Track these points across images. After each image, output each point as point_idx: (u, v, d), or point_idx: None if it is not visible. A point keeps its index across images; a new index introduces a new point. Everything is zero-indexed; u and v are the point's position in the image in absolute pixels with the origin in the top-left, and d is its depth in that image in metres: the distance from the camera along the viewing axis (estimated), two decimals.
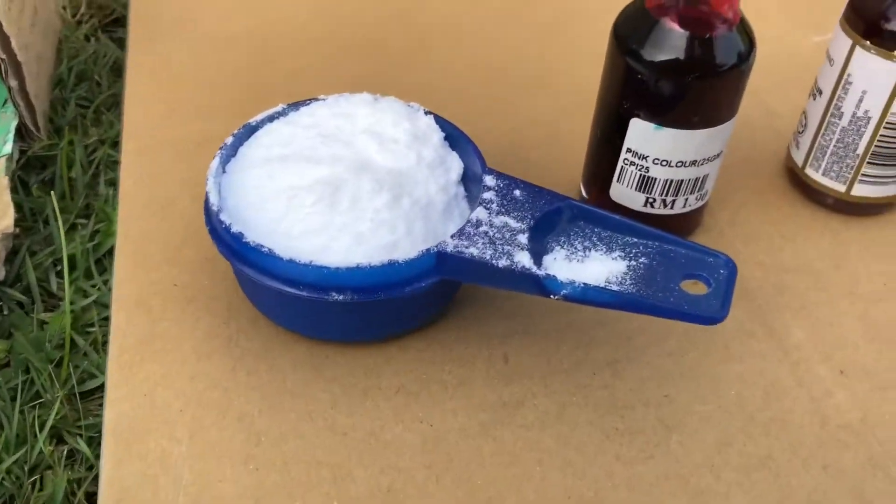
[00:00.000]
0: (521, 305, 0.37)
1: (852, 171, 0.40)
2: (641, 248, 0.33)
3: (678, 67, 0.34)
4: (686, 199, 0.38)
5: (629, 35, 0.35)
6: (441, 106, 0.38)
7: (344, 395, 0.33)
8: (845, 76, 0.38)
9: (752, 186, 0.43)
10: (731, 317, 0.37)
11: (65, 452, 0.37)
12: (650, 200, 0.38)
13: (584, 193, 0.41)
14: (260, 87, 0.49)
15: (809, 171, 0.42)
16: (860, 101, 0.38)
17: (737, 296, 0.38)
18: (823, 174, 0.41)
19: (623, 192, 0.38)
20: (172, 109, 0.47)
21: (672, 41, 0.34)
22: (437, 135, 0.37)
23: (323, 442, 0.32)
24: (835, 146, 0.40)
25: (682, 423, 0.33)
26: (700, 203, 0.39)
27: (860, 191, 0.41)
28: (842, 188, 0.41)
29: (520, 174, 0.35)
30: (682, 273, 0.32)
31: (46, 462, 0.36)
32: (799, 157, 0.42)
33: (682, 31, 0.34)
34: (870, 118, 0.38)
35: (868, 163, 0.40)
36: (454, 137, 0.37)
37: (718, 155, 0.37)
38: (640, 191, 0.38)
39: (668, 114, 0.35)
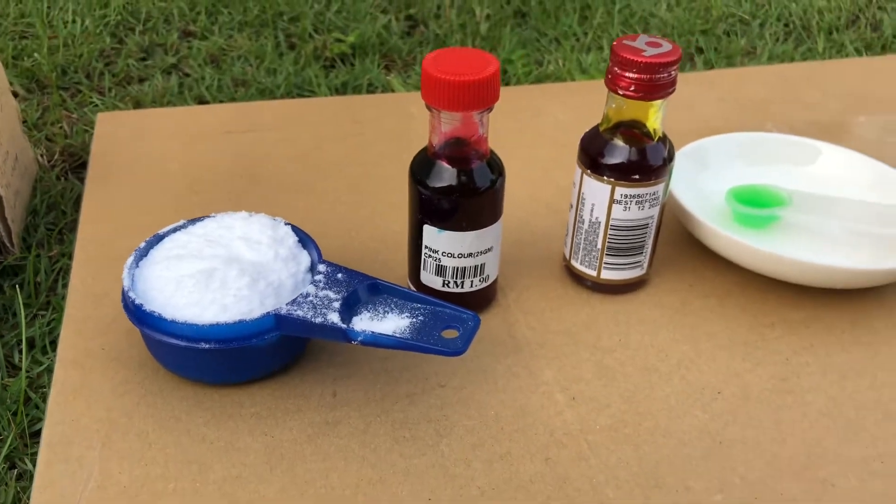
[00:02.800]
0: (352, 357, 0.51)
1: (597, 261, 0.56)
2: (422, 310, 0.48)
3: (449, 191, 0.50)
4: (472, 282, 0.53)
5: (418, 170, 0.51)
6: (319, 221, 0.54)
7: (213, 418, 0.47)
8: (581, 194, 0.55)
9: (538, 273, 0.59)
10: (503, 363, 0.52)
11: (15, 474, 0.50)
12: (446, 282, 0.53)
13: (408, 279, 0.56)
14: (184, 212, 0.65)
15: (573, 262, 0.57)
16: (592, 211, 0.54)
17: (509, 349, 0.53)
18: (581, 264, 0.57)
19: (428, 276, 0.54)
20: (115, 229, 0.62)
21: (444, 174, 0.50)
22: (291, 238, 0.52)
23: (195, 448, 0.45)
24: (584, 243, 0.56)
25: (451, 433, 0.47)
26: (485, 284, 0.54)
27: (606, 275, 0.56)
28: (594, 274, 0.56)
29: (372, 265, 0.50)
30: (444, 325, 0.47)
31: (2, 479, 0.49)
32: (567, 251, 0.58)
33: (450, 167, 0.50)
34: (600, 223, 0.54)
35: (606, 255, 0.55)
36: (305, 241, 0.53)
37: (491, 249, 0.53)
38: (437, 275, 0.53)
39: (445, 222, 0.51)
